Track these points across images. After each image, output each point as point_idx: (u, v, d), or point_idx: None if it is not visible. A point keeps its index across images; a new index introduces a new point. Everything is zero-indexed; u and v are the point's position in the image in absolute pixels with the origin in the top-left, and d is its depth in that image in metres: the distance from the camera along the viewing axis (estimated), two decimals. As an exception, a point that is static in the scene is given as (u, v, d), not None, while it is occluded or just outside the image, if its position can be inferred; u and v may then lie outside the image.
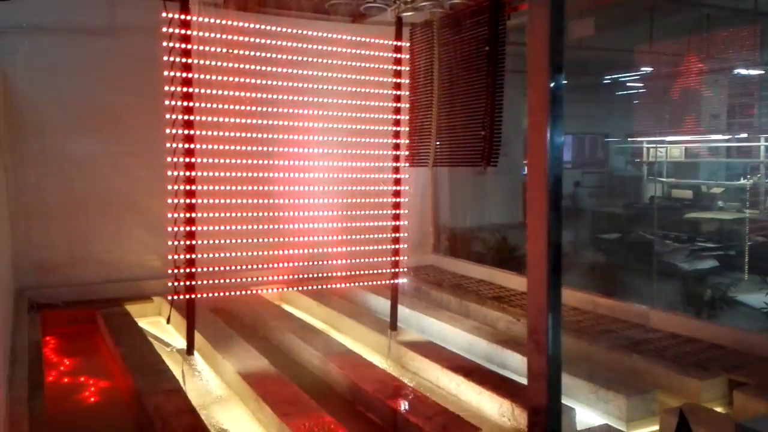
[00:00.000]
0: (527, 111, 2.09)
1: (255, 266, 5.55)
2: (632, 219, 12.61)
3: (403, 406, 4.43)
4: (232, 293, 5.53)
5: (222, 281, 5.42)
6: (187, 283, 5.01)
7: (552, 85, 2.05)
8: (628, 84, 14.91)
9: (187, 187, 4.90)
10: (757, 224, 10.45)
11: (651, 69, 13.35)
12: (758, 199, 11.56)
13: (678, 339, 5.60)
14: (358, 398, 4.83)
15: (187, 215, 4.92)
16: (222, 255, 5.28)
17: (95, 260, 7.32)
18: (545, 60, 2.05)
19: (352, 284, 6.34)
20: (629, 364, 5.09)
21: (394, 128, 5.78)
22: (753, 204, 11.32)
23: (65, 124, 7.11)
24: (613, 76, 14.83)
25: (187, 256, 4.97)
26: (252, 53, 5.16)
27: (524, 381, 4.90)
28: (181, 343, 6.11)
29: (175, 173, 4.90)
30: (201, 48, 4.89)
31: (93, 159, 7.24)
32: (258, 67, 5.19)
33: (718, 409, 4.48)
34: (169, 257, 5.01)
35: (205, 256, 5.10)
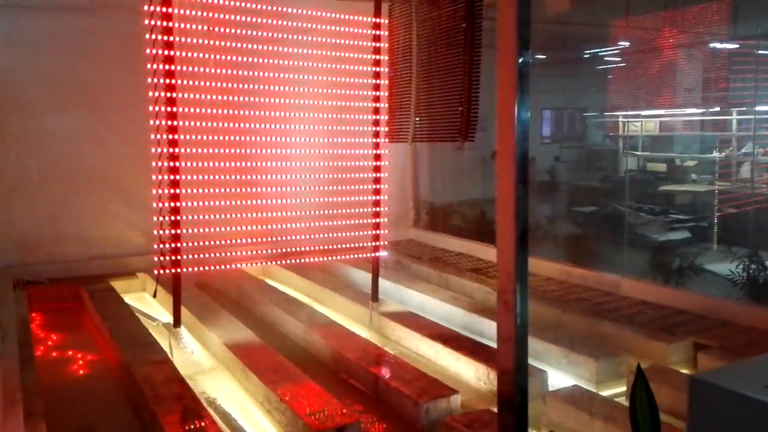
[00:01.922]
0: (497, 87, 2.22)
1: (237, 241, 5.67)
2: (608, 192, 12.86)
3: (384, 372, 4.62)
4: (216, 267, 5.65)
5: (206, 255, 5.54)
6: (173, 257, 5.12)
7: (520, 61, 2.19)
8: (605, 58, 15.03)
9: (171, 164, 4.98)
10: (729, 195, 10.72)
11: (627, 43, 13.45)
12: (730, 171, 11.83)
13: (646, 305, 5.84)
14: (341, 366, 5.01)
15: (172, 191, 5.01)
16: (206, 230, 5.39)
17: (78, 237, 7.37)
18: (513, 38, 2.18)
19: (334, 258, 6.49)
20: (599, 330, 5.32)
21: (374, 104, 5.89)
22: (724, 176, 11.59)
23: (46, 101, 7.11)
24: (590, 51, 14.94)
25: (173, 232, 5.07)
26: (233, 31, 5.22)
27: (499, 346, 5.09)
28: (167, 317, 6.24)
29: (159, 150, 4.98)
30: (182, 26, 4.94)
31: (74, 136, 7.26)
32: (239, 45, 5.26)
33: (684, 371, 4.72)
34: (155, 233, 5.12)
35: (190, 231, 5.21)
